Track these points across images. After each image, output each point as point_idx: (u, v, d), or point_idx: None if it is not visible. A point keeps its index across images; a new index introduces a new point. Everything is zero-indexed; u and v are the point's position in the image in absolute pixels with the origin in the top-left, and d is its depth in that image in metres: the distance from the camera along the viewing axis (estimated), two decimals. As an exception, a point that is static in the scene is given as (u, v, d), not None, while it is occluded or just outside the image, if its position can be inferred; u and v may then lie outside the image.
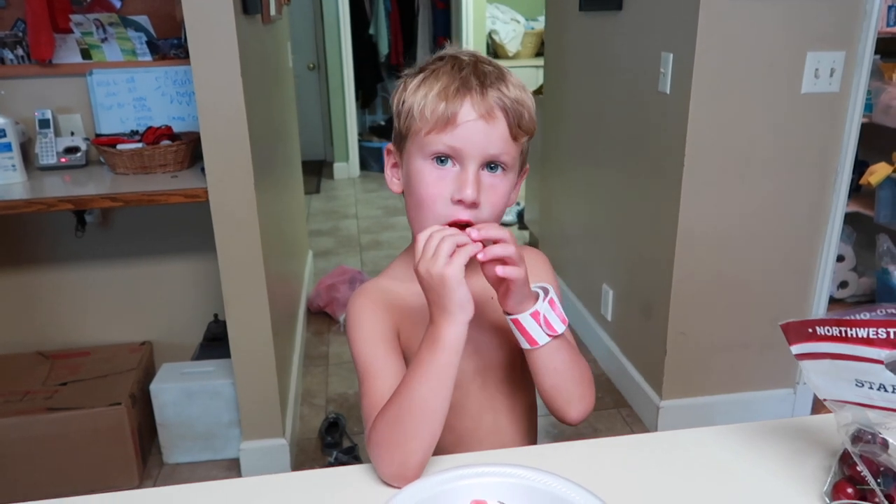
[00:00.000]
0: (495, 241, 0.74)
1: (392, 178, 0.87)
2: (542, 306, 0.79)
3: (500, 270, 0.74)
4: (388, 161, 0.87)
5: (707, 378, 2.14)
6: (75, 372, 2.08)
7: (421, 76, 0.80)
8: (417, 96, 0.79)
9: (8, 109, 1.93)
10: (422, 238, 0.73)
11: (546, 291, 0.80)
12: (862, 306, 0.65)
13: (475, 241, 0.73)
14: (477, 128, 0.77)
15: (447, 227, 0.75)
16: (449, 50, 0.83)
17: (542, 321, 0.79)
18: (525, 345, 0.81)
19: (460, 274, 0.71)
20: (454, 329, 0.73)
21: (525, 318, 0.79)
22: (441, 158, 0.79)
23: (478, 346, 0.88)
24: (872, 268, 2.75)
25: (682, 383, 2.12)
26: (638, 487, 0.74)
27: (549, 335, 0.80)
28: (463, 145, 0.77)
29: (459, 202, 0.77)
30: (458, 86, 0.77)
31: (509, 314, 0.80)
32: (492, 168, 0.79)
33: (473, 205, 0.77)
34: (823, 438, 0.80)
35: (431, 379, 0.73)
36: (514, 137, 0.79)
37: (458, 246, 0.72)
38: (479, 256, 0.73)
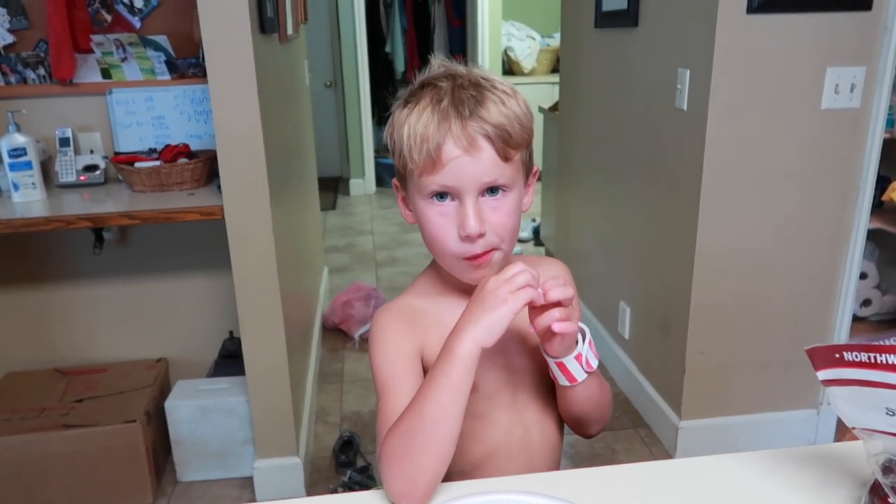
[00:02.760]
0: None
1: (405, 211, 0.87)
2: (583, 349, 0.81)
3: (557, 327, 0.75)
4: (398, 195, 0.88)
5: (727, 398, 2.10)
6: (91, 388, 2.08)
7: (405, 111, 0.79)
8: (403, 134, 0.78)
9: (29, 128, 1.95)
10: (515, 267, 0.75)
11: (584, 333, 0.82)
12: (891, 331, 0.63)
13: (542, 298, 0.75)
14: (463, 163, 0.76)
15: (531, 270, 0.75)
16: (432, 70, 0.81)
17: (584, 362, 0.82)
18: (564, 382, 0.83)
19: (517, 307, 0.73)
20: (469, 346, 0.73)
21: (569, 361, 0.81)
22: (440, 195, 0.79)
23: (508, 359, 0.88)
24: (896, 285, 2.70)
25: (701, 403, 2.08)
26: (659, 516, 0.72)
27: (587, 372, 0.83)
28: (454, 182, 0.77)
29: (467, 238, 0.78)
30: (437, 122, 0.76)
31: (553, 357, 0.82)
32: (492, 192, 0.79)
33: (480, 235, 0.78)
34: (852, 467, 0.77)
35: (444, 393, 0.73)
36: (506, 158, 0.77)
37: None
38: (539, 301, 0.75)
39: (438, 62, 0.82)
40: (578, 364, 0.81)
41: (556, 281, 0.76)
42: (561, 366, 0.82)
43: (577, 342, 0.81)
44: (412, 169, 0.78)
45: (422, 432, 0.73)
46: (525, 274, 0.74)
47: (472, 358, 0.73)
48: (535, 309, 0.77)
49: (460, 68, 0.82)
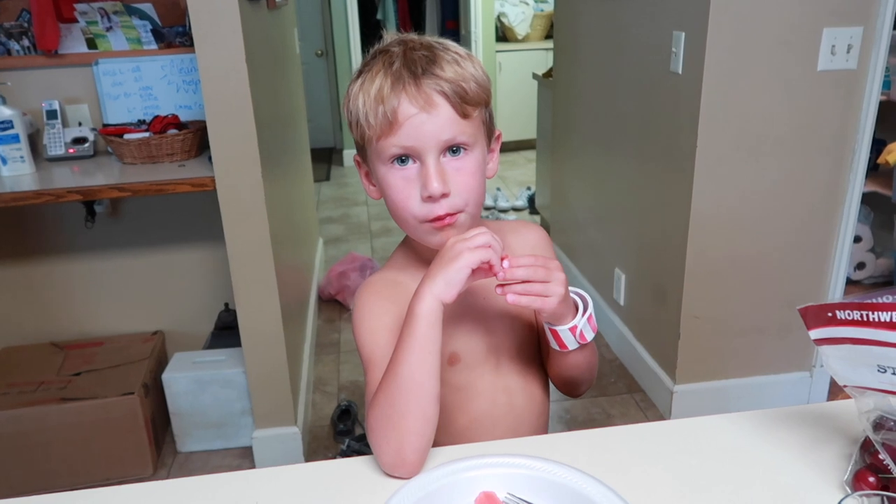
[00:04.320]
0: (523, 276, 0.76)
1: (368, 187, 0.86)
2: (580, 321, 0.82)
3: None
4: (361, 171, 0.86)
5: (721, 362, 2.11)
6: (89, 362, 2.09)
7: (359, 81, 0.78)
8: (358, 103, 0.77)
9: (15, 101, 1.92)
10: (477, 229, 0.76)
11: (586, 305, 0.82)
12: (883, 289, 0.63)
13: (503, 271, 0.75)
14: (421, 121, 0.75)
15: (494, 235, 0.75)
16: (385, 40, 0.81)
17: (578, 333, 0.82)
18: (555, 347, 0.85)
19: (473, 262, 0.73)
20: (429, 302, 0.74)
21: (563, 330, 0.82)
22: (401, 159, 0.77)
23: (489, 327, 0.89)
24: (890, 248, 2.71)
25: (696, 368, 2.10)
26: (652, 477, 0.73)
27: (580, 342, 0.83)
28: (413, 143, 0.76)
29: (430, 198, 0.77)
30: (391, 83, 0.75)
31: (547, 323, 0.82)
32: (454, 151, 0.78)
33: (444, 196, 0.77)
34: (843, 425, 0.78)
35: (412, 353, 0.73)
36: (464, 115, 0.76)
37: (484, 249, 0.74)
38: (500, 276, 0.75)
39: (391, 35, 0.81)
40: (572, 335, 0.82)
41: (529, 260, 0.76)
42: (553, 332, 0.82)
43: (576, 312, 0.82)
44: (370, 136, 0.77)
45: (399, 396, 0.73)
46: (485, 236, 0.74)
47: (435, 313, 0.74)
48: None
49: (412, 35, 0.81)
